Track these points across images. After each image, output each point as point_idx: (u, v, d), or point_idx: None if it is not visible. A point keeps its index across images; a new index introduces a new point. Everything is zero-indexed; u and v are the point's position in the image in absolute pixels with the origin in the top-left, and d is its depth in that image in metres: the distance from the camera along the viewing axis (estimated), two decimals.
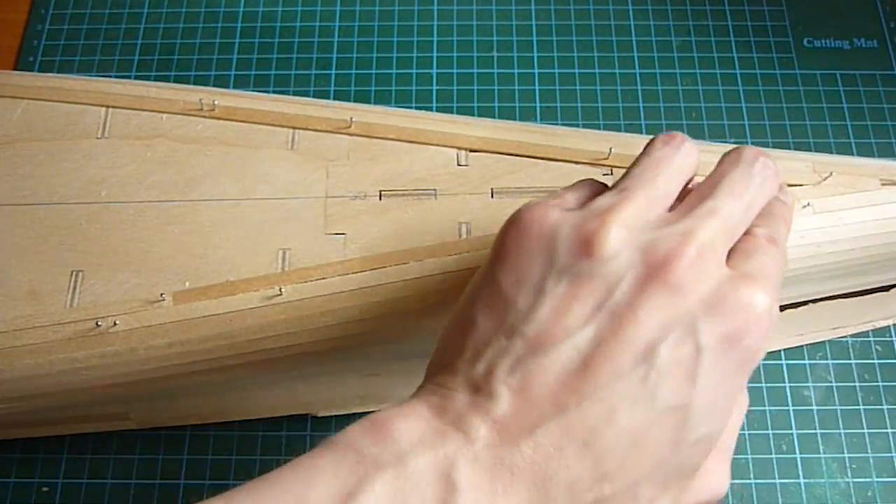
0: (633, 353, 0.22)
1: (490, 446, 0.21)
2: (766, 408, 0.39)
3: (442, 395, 0.23)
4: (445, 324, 0.26)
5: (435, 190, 0.33)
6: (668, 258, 0.22)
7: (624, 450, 0.21)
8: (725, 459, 0.26)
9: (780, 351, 0.40)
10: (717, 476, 0.25)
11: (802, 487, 0.37)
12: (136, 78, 0.48)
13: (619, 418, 0.21)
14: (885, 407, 0.39)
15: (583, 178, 0.28)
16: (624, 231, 0.23)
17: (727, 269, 0.23)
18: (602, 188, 0.27)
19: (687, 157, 0.26)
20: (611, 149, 0.34)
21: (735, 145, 0.27)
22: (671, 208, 0.25)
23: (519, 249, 0.24)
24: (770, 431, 0.39)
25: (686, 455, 0.22)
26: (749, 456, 0.38)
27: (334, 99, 0.46)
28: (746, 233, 0.25)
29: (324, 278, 0.31)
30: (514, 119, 0.46)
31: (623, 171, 0.26)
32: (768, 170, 0.26)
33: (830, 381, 0.40)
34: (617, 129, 0.46)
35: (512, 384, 0.22)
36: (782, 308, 0.37)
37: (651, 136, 0.27)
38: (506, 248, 0.25)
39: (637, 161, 0.26)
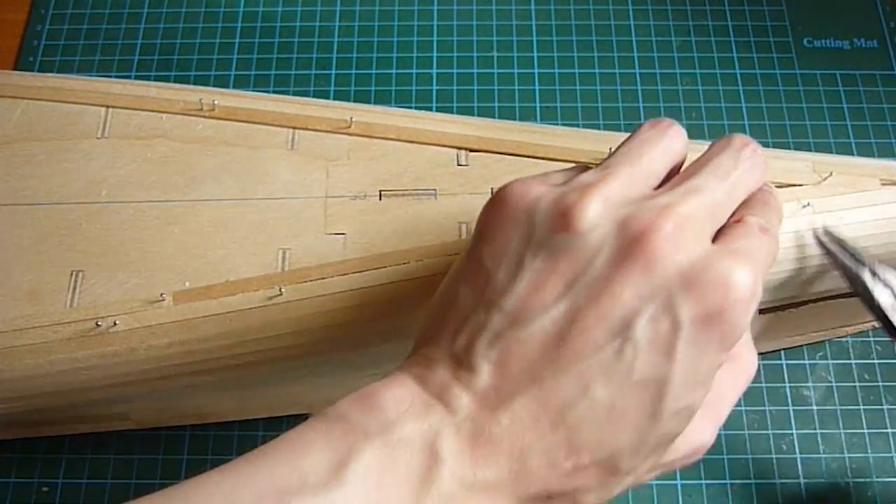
0: (608, 327, 0.22)
1: (471, 418, 0.22)
2: (766, 408, 0.39)
3: (426, 366, 0.23)
4: (433, 296, 0.26)
5: (435, 190, 0.33)
6: (645, 231, 0.22)
7: (600, 421, 0.22)
8: (712, 418, 0.26)
9: (780, 351, 0.40)
10: (698, 432, 0.25)
11: (802, 487, 0.37)
12: (136, 78, 0.48)
13: (594, 390, 0.22)
14: (885, 407, 0.39)
15: None
16: (602, 205, 0.23)
17: (710, 245, 0.23)
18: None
19: (674, 140, 0.26)
20: (611, 149, 0.34)
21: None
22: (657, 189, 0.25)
23: (500, 224, 0.24)
24: (770, 431, 0.39)
25: (665, 426, 0.22)
26: (749, 456, 0.38)
27: (334, 99, 0.46)
28: (738, 220, 0.25)
29: (324, 278, 0.31)
30: (514, 119, 0.46)
31: None
32: (756, 158, 0.26)
33: (830, 381, 0.40)
34: (617, 129, 0.46)
35: (491, 358, 0.22)
36: (782, 308, 0.37)
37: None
38: (488, 223, 0.25)
39: (624, 142, 0.26)
